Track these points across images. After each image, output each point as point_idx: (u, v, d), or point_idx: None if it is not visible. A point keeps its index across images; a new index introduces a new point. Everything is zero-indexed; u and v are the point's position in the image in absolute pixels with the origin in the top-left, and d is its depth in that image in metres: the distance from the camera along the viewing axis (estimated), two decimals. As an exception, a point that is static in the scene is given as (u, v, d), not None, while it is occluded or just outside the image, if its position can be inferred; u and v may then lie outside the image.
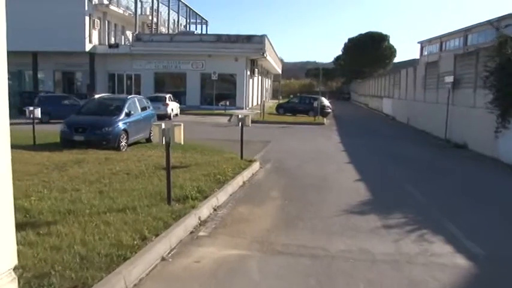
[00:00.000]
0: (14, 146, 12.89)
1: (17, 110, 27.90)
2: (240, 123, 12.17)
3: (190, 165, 10.56)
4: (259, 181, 10.37)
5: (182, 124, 6.74)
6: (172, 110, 28.12)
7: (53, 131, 15.58)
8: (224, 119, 28.88)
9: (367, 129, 25.68)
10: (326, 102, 33.94)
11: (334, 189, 9.54)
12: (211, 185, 8.42)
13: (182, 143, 6.80)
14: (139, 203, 6.77)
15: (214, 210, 7.36)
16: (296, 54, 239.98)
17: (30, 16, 33.59)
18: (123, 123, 14.04)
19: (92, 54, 36.15)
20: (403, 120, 28.73)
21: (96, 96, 16.71)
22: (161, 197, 7.13)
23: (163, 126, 6.68)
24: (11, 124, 3.71)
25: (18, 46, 33.77)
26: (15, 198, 3.97)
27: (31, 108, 13.48)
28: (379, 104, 40.80)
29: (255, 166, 11.66)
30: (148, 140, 15.39)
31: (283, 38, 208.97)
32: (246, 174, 10.49)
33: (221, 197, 8.06)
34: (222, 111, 32.69)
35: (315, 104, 31.17)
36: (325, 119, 30.55)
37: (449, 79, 18.63)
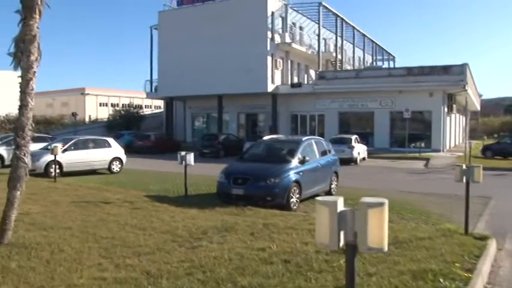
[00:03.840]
0: (163, 199, 11.28)
1: (198, 152, 28.25)
2: (464, 178, 7.62)
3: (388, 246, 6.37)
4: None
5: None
6: (358, 153, 25.31)
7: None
8: (419, 164, 24.39)
9: None
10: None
11: None
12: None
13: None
14: None
15: None
16: (490, 89, 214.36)
17: (216, 61, 35.20)
18: (296, 172, 11.16)
19: (274, 95, 35.28)
20: None
21: (265, 137, 14.07)
22: None
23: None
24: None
25: (205, 90, 35.58)
26: None
27: (183, 153, 11.35)
28: None
29: (491, 249, 6.98)
30: (329, 193, 12.85)
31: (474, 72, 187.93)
32: (484, 270, 5.99)
33: None
34: (416, 155, 27.83)
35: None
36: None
37: None
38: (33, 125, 6.22)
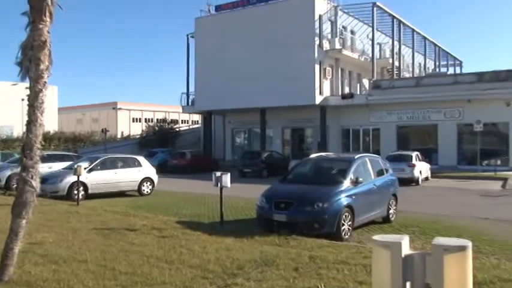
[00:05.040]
0: (196, 226, 11.08)
1: (238, 171, 28.14)
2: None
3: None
4: None
5: None
6: (420, 172, 24.45)
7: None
8: (495, 185, 23.34)
9: None
10: None
11: None
12: None
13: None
14: None
15: None
16: None
17: (258, 70, 35.63)
18: (347, 195, 10.85)
19: (323, 108, 34.89)
20: None
21: (312, 155, 13.82)
22: None
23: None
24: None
25: (247, 103, 35.58)
26: None
27: (218, 174, 11.01)
28: None
29: None
30: (387, 220, 12.65)
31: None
32: None
33: None
34: (491, 174, 26.69)
35: None
36: None
37: None
38: (43, 142, 6.01)
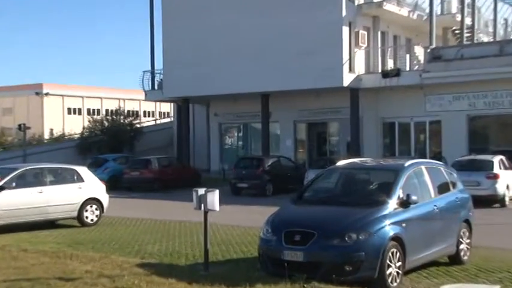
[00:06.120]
0: (168, 271, 11.29)
1: (231, 187, 28.28)
2: None
3: None
4: None
5: None
6: (507, 186, 24.46)
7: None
8: None
9: None
10: None
11: None
12: None
13: None
14: None
15: None
16: None
17: (257, 40, 35.38)
18: (394, 223, 10.96)
19: (354, 92, 35.04)
20: None
21: (340, 162, 13.94)
22: None
23: None
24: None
25: (241, 86, 35.92)
26: None
27: (201, 191, 11.23)
28: None
29: None
30: (456, 260, 12.78)
31: None
32: None
33: None
34: None
35: None
36: None
37: None
38: None
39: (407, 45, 40.63)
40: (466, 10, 40.05)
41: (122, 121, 50.46)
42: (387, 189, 11.62)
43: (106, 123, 49.51)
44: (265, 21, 34.90)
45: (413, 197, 11.36)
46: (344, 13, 33.83)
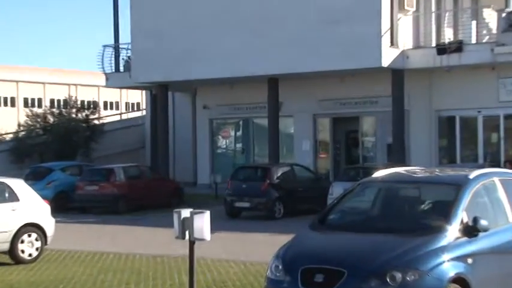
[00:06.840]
0: None
1: (226, 207, 28.02)
2: None
3: None
4: None
5: None
6: None
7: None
8: None
9: None
10: None
11: None
12: None
13: None
14: None
15: None
16: None
17: (261, 7, 35.76)
18: (455, 257, 10.85)
19: (397, 74, 35.32)
20: None
21: (378, 173, 13.68)
22: None
23: None
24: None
25: (240, 68, 37.41)
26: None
27: (185, 212, 10.89)
28: None
29: None
30: None
31: None
32: None
33: None
34: None
35: None
36: None
37: None
38: None
39: (473, 8, 40.73)
40: None
41: (73, 115, 50.37)
42: (445, 210, 11.62)
43: (51, 119, 49.60)
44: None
45: (483, 222, 11.21)
46: (383, -35, 34.17)
